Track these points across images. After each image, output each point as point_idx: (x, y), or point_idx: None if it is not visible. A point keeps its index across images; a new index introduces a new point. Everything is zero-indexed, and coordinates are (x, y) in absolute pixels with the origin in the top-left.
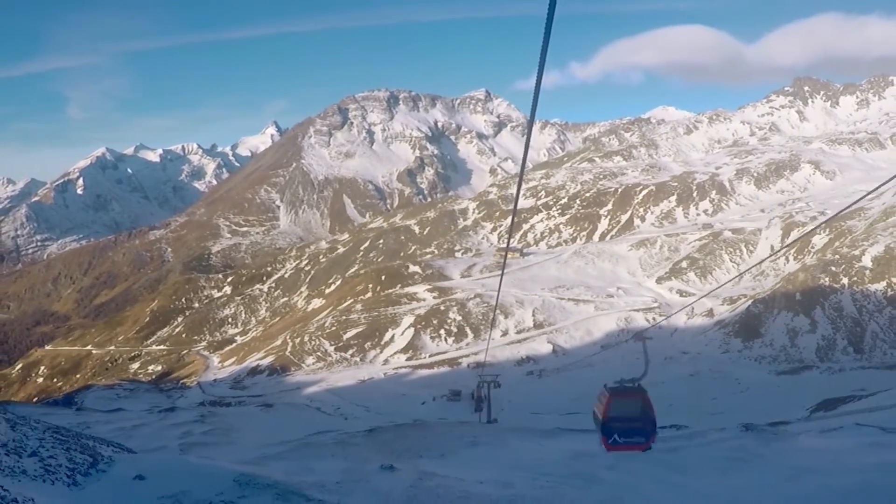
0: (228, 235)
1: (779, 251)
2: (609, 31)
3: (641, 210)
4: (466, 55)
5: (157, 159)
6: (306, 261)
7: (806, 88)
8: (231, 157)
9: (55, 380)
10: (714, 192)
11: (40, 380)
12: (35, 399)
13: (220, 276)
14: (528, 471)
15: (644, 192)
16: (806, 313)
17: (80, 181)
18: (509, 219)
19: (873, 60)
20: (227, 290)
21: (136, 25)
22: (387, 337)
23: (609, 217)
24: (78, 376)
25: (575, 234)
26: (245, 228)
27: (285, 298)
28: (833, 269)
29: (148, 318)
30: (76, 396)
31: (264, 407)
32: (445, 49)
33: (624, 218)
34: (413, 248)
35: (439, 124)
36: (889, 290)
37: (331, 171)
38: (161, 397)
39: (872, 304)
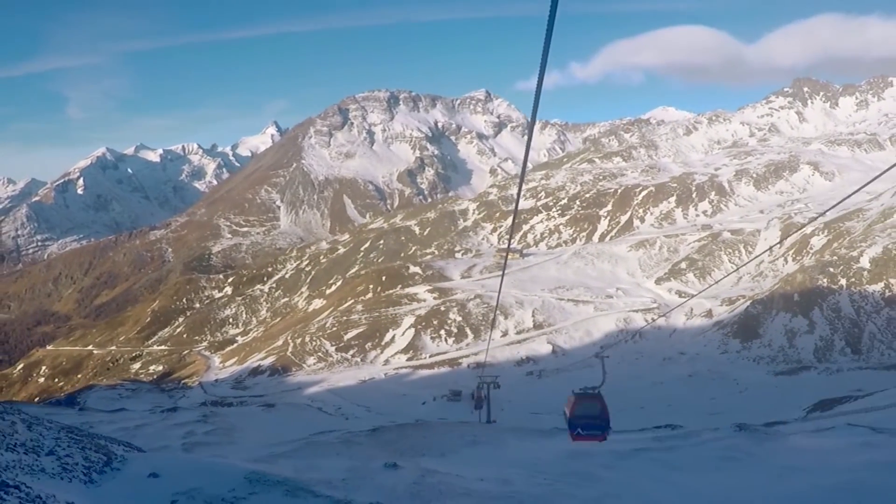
0: (229, 236)
1: (771, 247)
2: (609, 31)
3: (641, 211)
4: (466, 55)
5: (158, 159)
6: (307, 261)
7: (805, 89)
8: (231, 158)
9: (56, 380)
10: (713, 193)
11: (41, 380)
12: (37, 399)
13: (221, 276)
14: (527, 469)
15: (643, 193)
16: (804, 314)
17: (81, 181)
18: (509, 219)
19: (873, 61)
20: (228, 290)
21: (136, 25)
22: (387, 337)
23: (609, 218)
24: (79, 376)
25: (574, 235)
26: (245, 229)
27: (286, 299)
28: (831, 270)
29: (149, 319)
30: (78, 396)
31: (266, 407)
32: (445, 49)
33: (623, 219)
34: (413, 248)
35: (439, 125)
36: (887, 291)
37: (331, 172)
38: (163, 397)
39: (870, 305)
